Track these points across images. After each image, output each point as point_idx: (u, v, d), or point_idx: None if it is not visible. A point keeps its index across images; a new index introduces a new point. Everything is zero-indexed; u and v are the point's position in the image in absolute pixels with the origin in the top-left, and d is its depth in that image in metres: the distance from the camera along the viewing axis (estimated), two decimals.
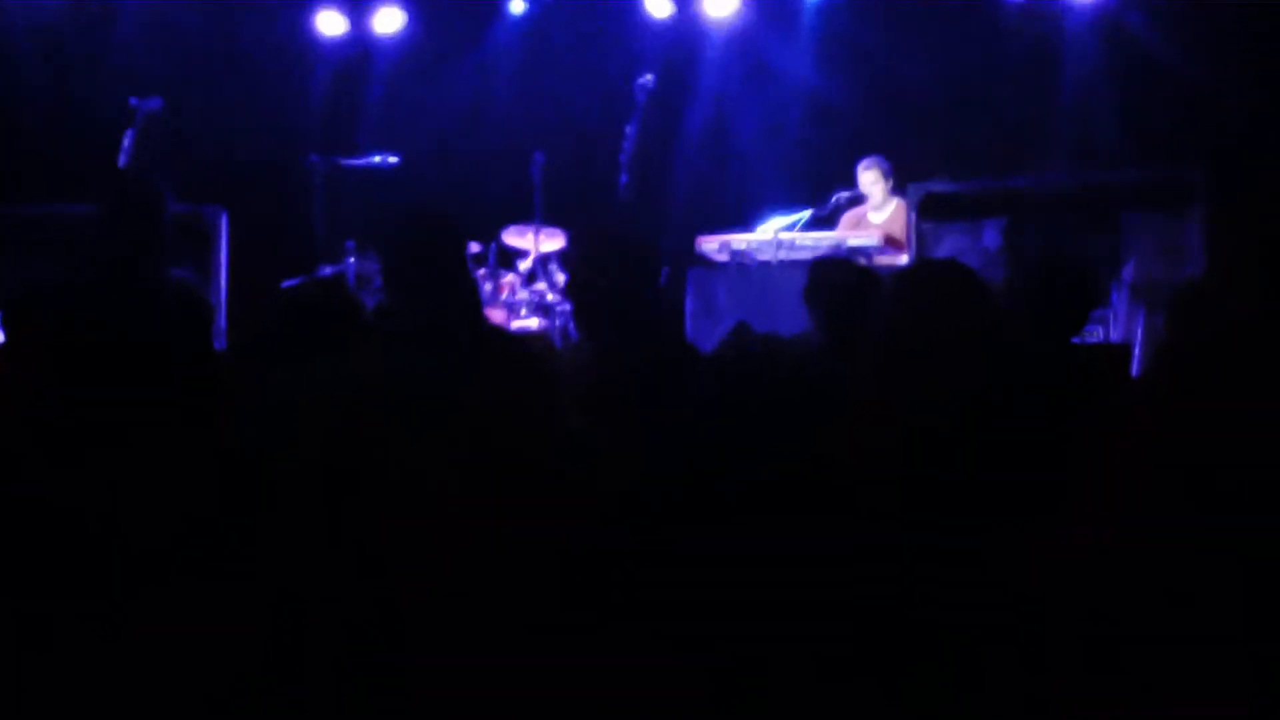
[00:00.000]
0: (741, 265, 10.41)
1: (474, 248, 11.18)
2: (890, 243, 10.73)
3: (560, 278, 10.91)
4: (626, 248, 5.36)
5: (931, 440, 3.59)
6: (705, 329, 9.52)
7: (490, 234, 11.26)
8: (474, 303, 5.31)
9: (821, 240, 10.45)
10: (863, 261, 9.37)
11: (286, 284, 9.68)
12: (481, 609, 3.60)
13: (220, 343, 8.87)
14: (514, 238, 11.41)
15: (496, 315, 10.83)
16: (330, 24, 12.92)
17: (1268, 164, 10.50)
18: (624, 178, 10.38)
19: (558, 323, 10.76)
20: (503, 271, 11.26)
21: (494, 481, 4.01)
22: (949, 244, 9.90)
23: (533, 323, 10.86)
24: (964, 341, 3.86)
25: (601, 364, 5.13)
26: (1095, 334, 9.43)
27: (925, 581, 3.13)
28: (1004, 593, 3.12)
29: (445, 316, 4.91)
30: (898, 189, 11.35)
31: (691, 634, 3.17)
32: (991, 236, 9.94)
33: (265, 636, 3.49)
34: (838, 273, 6.91)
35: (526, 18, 13.12)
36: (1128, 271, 9.57)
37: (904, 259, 10.46)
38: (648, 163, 10.91)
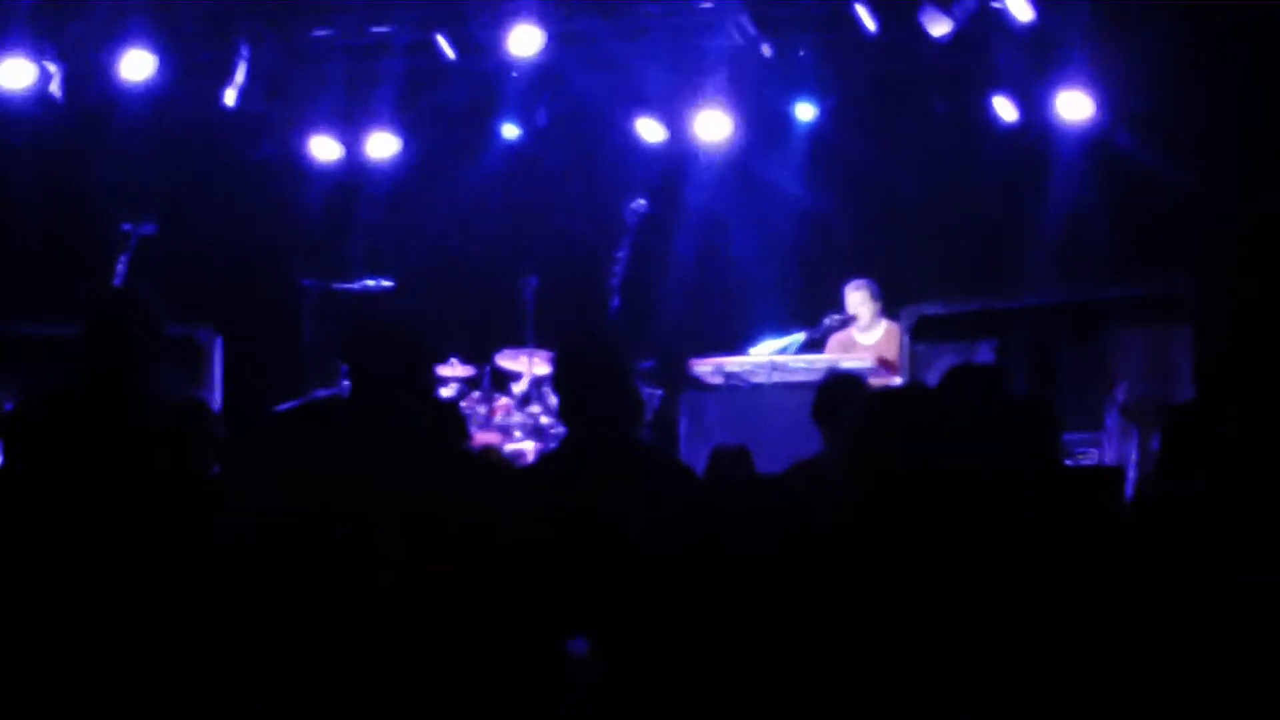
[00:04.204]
0: (735, 387, 10.42)
1: (468, 370, 11.20)
2: (883, 365, 10.75)
3: (553, 400, 10.89)
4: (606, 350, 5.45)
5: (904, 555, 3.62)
6: (697, 451, 9.51)
7: (484, 357, 11.28)
8: (442, 416, 5.36)
9: (814, 363, 10.48)
10: None
11: (280, 407, 9.70)
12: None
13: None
14: (508, 361, 11.41)
15: (490, 438, 10.81)
16: (324, 149, 12.97)
17: (1256, 279, 10.53)
18: (616, 301, 10.42)
19: (552, 445, 10.72)
20: (497, 395, 11.26)
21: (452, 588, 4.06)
22: (942, 367, 9.92)
23: (527, 446, 10.83)
24: (934, 459, 3.88)
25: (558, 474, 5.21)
26: (1089, 456, 9.44)
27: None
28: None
29: (408, 430, 4.93)
30: (887, 310, 11.41)
31: None
32: (985, 358, 9.97)
33: None
34: (848, 391, 6.97)
35: (520, 142, 13.19)
36: (1120, 392, 9.58)
37: (897, 381, 10.47)
38: (640, 286, 10.95)
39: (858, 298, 11.49)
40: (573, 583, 4.30)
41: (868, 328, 11.47)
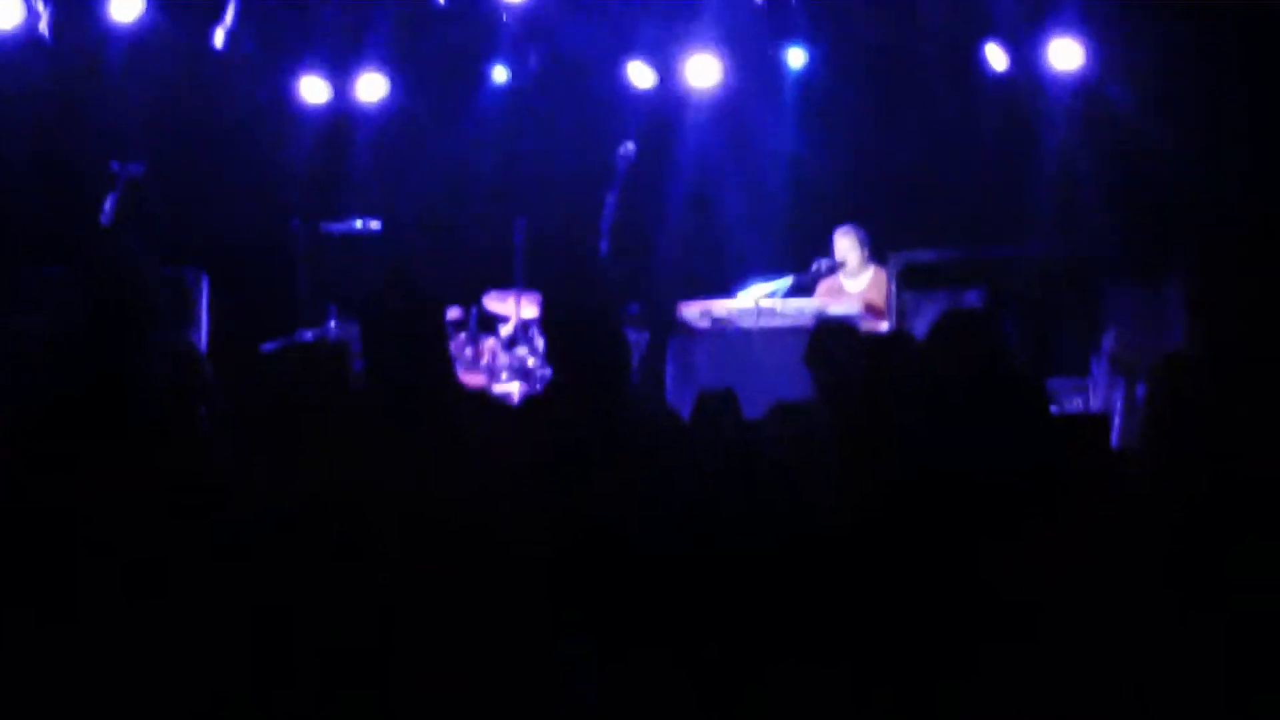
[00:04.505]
0: (722, 332, 10.42)
1: (455, 312, 11.19)
2: (871, 310, 10.77)
3: (540, 343, 10.89)
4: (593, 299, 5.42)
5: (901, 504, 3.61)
6: (685, 395, 9.52)
7: (472, 298, 11.27)
8: (447, 372, 5.31)
9: (802, 308, 10.48)
10: None
11: (266, 347, 9.70)
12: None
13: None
14: (495, 303, 11.41)
15: (477, 379, 10.82)
16: (313, 90, 12.93)
17: (1247, 238, 10.51)
18: (604, 244, 10.41)
19: (538, 387, 10.72)
20: (484, 336, 11.26)
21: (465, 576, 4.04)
22: (929, 313, 9.92)
23: (513, 387, 10.84)
24: (930, 457, 3.88)
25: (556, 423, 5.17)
26: (1075, 403, 9.46)
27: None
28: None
29: (419, 388, 4.91)
30: (875, 256, 11.41)
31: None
32: (972, 305, 9.98)
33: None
34: (839, 337, 6.96)
35: (509, 86, 13.16)
36: (1107, 341, 9.59)
37: (884, 326, 10.49)
38: (628, 230, 10.94)
39: (846, 243, 11.49)
40: (568, 580, 4.28)
41: (855, 273, 11.47)
